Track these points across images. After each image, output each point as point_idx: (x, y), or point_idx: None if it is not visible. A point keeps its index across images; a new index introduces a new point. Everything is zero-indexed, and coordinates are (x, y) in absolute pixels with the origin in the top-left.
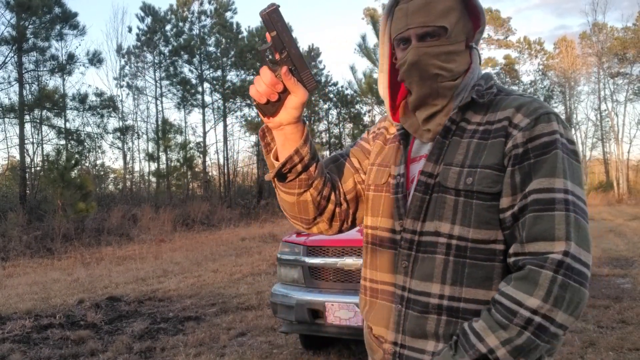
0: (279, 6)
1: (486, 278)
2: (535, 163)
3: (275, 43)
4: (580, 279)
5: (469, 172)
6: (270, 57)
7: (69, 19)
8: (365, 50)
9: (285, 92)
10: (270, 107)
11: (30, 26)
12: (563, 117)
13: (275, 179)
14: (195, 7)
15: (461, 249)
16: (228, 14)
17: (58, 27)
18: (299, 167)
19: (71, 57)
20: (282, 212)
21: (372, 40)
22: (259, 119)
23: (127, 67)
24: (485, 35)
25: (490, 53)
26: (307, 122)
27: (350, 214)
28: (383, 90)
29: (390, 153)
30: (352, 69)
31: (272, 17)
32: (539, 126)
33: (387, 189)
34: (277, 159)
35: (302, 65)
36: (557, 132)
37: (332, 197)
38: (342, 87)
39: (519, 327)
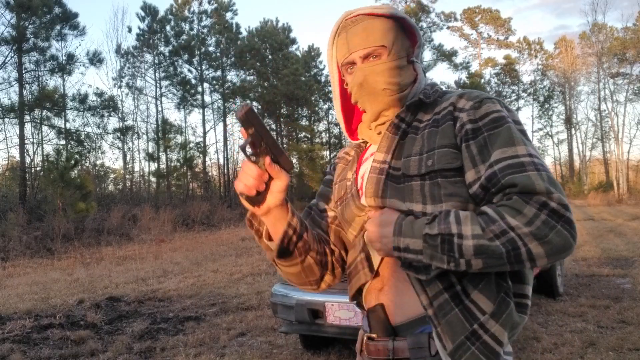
0: (251, 105)
1: None
2: (490, 135)
3: (254, 138)
4: (568, 227)
5: (428, 156)
6: (249, 151)
7: (69, 19)
8: None
9: (269, 180)
10: (258, 197)
11: (30, 26)
12: (563, 117)
13: (276, 259)
14: (195, 7)
15: None
16: (228, 15)
17: (58, 27)
18: (295, 238)
19: (71, 57)
20: None
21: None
22: None
23: (127, 67)
24: (485, 35)
25: (490, 53)
26: (288, 202)
27: (344, 254)
28: (338, 114)
29: (348, 165)
30: None
31: (249, 116)
32: (485, 106)
33: (345, 196)
34: (269, 239)
35: (279, 151)
36: (502, 111)
37: (326, 249)
38: None
39: (492, 233)
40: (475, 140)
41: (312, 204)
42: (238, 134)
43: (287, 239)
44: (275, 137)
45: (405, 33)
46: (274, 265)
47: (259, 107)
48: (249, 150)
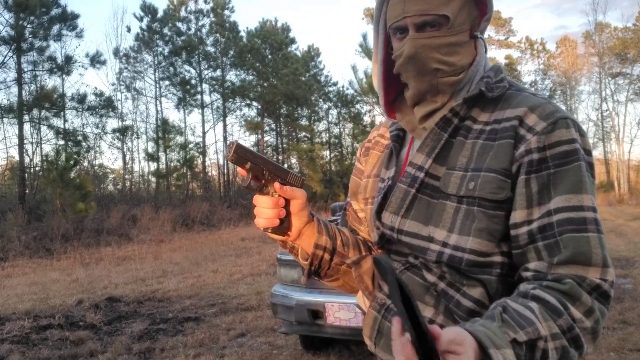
0: (237, 141)
1: (480, 293)
2: (556, 174)
3: (254, 171)
4: (608, 307)
5: (471, 177)
6: (255, 186)
7: (67, 19)
8: (366, 50)
9: (287, 204)
10: (284, 225)
11: (28, 26)
12: None
13: (312, 278)
14: (191, 6)
15: (456, 259)
16: (226, 12)
17: (57, 27)
18: (327, 256)
19: (69, 59)
20: None
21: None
22: (258, 119)
23: (126, 67)
24: (485, 35)
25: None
26: (315, 215)
27: None
28: (377, 83)
29: (385, 159)
30: (354, 68)
31: (239, 153)
32: (558, 132)
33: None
34: (304, 257)
35: (283, 172)
36: (576, 140)
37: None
38: (342, 86)
39: (562, 328)
40: (538, 174)
41: (348, 205)
42: (238, 134)
43: (317, 260)
44: (271, 159)
45: (475, 1)
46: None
47: (259, 107)
48: (254, 184)
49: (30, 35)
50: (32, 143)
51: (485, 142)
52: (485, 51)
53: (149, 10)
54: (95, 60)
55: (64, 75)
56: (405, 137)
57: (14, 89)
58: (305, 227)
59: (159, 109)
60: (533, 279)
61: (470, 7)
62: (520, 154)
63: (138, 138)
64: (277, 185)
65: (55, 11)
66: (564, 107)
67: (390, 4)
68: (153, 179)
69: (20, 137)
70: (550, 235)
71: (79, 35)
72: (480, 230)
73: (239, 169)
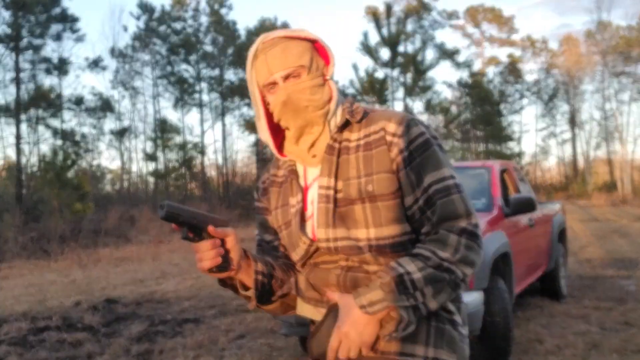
0: (168, 202)
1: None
2: (421, 160)
3: (187, 224)
4: (479, 243)
5: (366, 181)
6: (191, 236)
7: (67, 20)
8: (367, 49)
9: (222, 244)
10: (226, 262)
11: (26, 24)
12: (567, 116)
13: (258, 305)
14: (190, 4)
15: (381, 246)
16: (224, 11)
17: (56, 27)
18: (266, 280)
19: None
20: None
21: (374, 39)
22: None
23: (124, 66)
24: (487, 34)
25: (493, 52)
26: (245, 249)
27: None
28: (265, 134)
29: (287, 190)
30: (355, 67)
31: (171, 212)
32: (412, 130)
33: (291, 222)
34: (244, 289)
35: (211, 217)
36: (424, 132)
37: (294, 273)
38: (343, 85)
39: (431, 267)
40: (411, 165)
41: (260, 240)
42: (237, 134)
43: (260, 284)
44: (194, 209)
45: (319, 54)
46: (258, 308)
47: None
48: (189, 236)
49: (28, 34)
50: (29, 143)
51: (364, 153)
52: (338, 91)
53: (146, 8)
54: (95, 65)
55: (61, 76)
56: (296, 171)
57: (11, 88)
58: (242, 260)
59: (156, 108)
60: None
61: (317, 59)
62: (395, 154)
63: (136, 138)
64: (211, 228)
65: (54, 11)
66: (567, 107)
67: (257, 69)
68: (151, 179)
69: (18, 136)
70: (431, 204)
71: (80, 40)
72: (389, 219)
73: (172, 225)
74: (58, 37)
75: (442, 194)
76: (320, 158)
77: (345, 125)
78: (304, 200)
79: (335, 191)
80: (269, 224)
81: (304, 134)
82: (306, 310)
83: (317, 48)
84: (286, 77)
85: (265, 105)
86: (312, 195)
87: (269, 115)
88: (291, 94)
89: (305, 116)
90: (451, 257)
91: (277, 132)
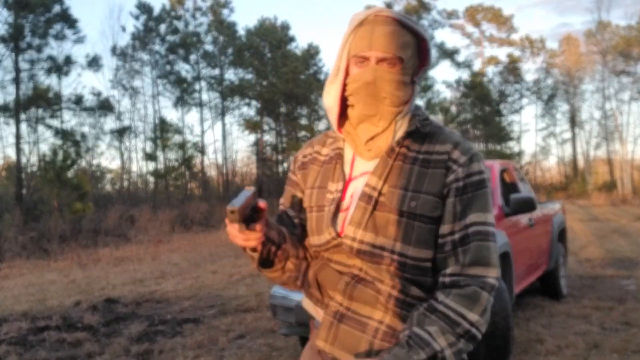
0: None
1: (421, 288)
2: (473, 197)
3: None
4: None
5: (412, 197)
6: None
7: (67, 19)
8: None
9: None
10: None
11: (27, 24)
12: (567, 116)
13: (259, 268)
14: (190, 4)
15: (401, 264)
16: (225, 12)
17: (57, 26)
18: (274, 249)
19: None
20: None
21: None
22: (257, 118)
23: (123, 66)
24: (487, 33)
25: (492, 51)
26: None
27: None
28: (334, 100)
29: (329, 174)
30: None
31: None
32: (474, 164)
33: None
34: (252, 250)
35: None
36: (483, 171)
37: (304, 253)
38: None
39: (459, 335)
40: (461, 197)
41: (283, 211)
42: (237, 134)
43: (267, 250)
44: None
45: (419, 53)
46: (259, 271)
47: (258, 105)
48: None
49: (29, 34)
50: (29, 143)
51: (420, 168)
52: (417, 95)
53: (144, 8)
54: (94, 63)
55: (61, 75)
56: (344, 155)
57: (11, 88)
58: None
59: (156, 107)
60: (451, 283)
61: (415, 57)
62: (450, 180)
63: (136, 137)
64: (262, 204)
65: (55, 10)
66: (567, 107)
67: (357, 36)
68: (151, 179)
69: (17, 136)
70: (466, 243)
71: (80, 41)
72: (418, 240)
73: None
74: (58, 37)
75: (480, 237)
76: (376, 154)
77: (411, 133)
78: (343, 191)
79: (379, 194)
80: (296, 200)
81: (367, 122)
82: (307, 304)
83: (422, 47)
84: (381, 60)
85: (346, 73)
86: (354, 188)
87: (344, 86)
88: (378, 79)
89: (379, 106)
90: (480, 320)
91: (341, 106)
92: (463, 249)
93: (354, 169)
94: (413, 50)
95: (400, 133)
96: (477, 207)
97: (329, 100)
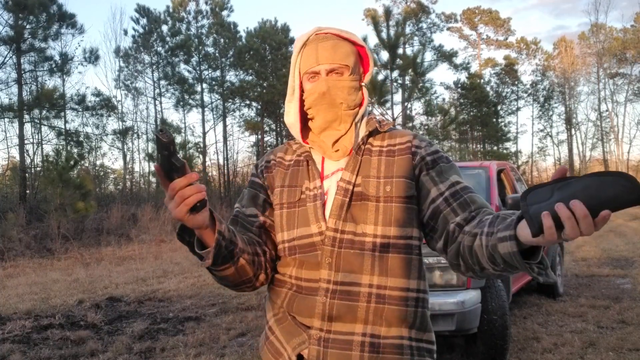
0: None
1: (405, 268)
2: (446, 167)
3: (173, 156)
4: None
5: (385, 182)
6: (177, 166)
7: (66, 17)
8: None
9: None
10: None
11: (28, 26)
12: (563, 117)
13: (211, 267)
14: (192, 6)
15: (385, 245)
16: (225, 13)
17: (56, 26)
18: (224, 243)
19: (66, 56)
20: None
21: (373, 41)
22: (258, 119)
23: (126, 68)
24: (484, 36)
25: (490, 54)
26: (211, 210)
27: (274, 255)
28: (294, 116)
29: (299, 174)
30: None
31: (172, 140)
32: (434, 147)
33: (301, 203)
34: (200, 249)
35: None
36: (443, 153)
37: (258, 250)
38: None
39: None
40: (434, 169)
41: (238, 212)
42: (237, 135)
43: (219, 245)
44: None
45: (361, 60)
46: (209, 272)
47: (258, 107)
48: (176, 165)
49: (29, 36)
50: (32, 143)
51: (387, 158)
52: (368, 98)
53: (144, 11)
54: (92, 56)
55: (64, 76)
56: (314, 158)
57: (14, 89)
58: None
59: (158, 109)
60: (464, 222)
61: (358, 64)
62: (417, 160)
63: (138, 138)
64: (187, 166)
65: (53, 9)
66: (562, 108)
67: (304, 55)
68: (153, 179)
69: (21, 137)
70: (459, 197)
71: (81, 32)
72: (398, 219)
73: (161, 153)
74: (57, 36)
75: (469, 190)
76: (343, 153)
77: (371, 132)
78: (321, 186)
79: (354, 186)
80: (259, 200)
81: (329, 128)
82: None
83: (361, 54)
84: (330, 72)
85: (301, 91)
86: (329, 185)
87: (301, 102)
88: (331, 88)
89: (337, 112)
90: None
91: (302, 121)
92: (458, 202)
93: (325, 169)
94: (355, 58)
95: (362, 133)
96: (453, 173)
97: (290, 118)
